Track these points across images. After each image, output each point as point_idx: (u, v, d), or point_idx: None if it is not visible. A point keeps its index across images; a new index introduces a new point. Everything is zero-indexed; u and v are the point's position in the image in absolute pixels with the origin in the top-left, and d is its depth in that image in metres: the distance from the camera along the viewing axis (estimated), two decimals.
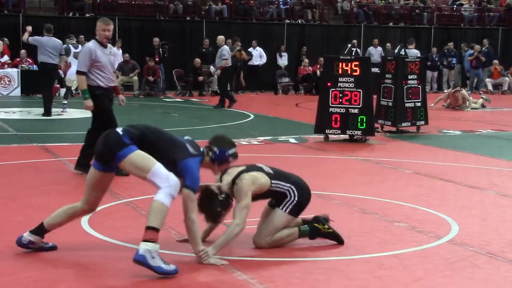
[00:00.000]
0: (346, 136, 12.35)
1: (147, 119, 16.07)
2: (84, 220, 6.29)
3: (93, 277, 4.78)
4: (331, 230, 5.68)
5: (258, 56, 25.20)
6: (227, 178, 5.44)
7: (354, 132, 12.20)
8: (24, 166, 9.29)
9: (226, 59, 18.76)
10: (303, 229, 5.63)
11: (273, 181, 5.52)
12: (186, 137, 5.34)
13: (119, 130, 5.09)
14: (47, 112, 15.72)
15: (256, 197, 5.47)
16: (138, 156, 4.93)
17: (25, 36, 15.95)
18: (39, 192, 7.60)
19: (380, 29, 28.77)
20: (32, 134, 12.42)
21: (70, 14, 24.92)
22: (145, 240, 4.69)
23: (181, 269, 4.86)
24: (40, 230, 5.32)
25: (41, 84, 16.40)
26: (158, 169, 4.89)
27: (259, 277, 4.83)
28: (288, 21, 27.55)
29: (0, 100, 19.69)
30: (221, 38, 19.58)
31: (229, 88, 19.74)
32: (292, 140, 12.38)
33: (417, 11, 30.05)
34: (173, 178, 4.87)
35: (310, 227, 5.65)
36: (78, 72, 8.51)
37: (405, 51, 23.30)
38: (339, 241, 5.67)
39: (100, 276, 4.81)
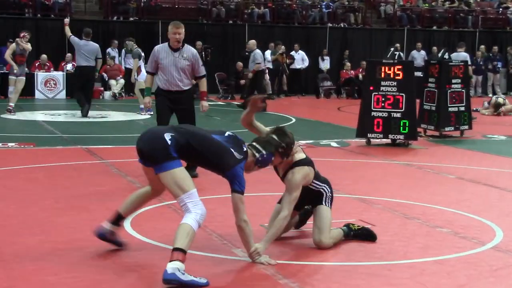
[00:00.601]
0: (388, 141, 12.26)
1: None
2: (127, 222, 6.35)
3: (135, 278, 4.83)
4: (361, 227, 5.92)
5: (301, 59, 25.17)
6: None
7: (396, 137, 12.11)
8: (69, 168, 9.43)
9: (259, 63, 19.43)
10: (344, 229, 5.85)
11: (314, 181, 5.69)
12: (228, 133, 5.29)
13: (167, 137, 4.94)
14: (84, 113, 16.05)
15: None
16: (181, 174, 4.93)
17: (67, 32, 16.28)
18: (82, 194, 7.70)
19: (423, 32, 28.51)
20: (76, 136, 12.59)
21: (115, 18, 25.24)
22: (172, 261, 4.65)
23: (225, 271, 4.87)
24: (118, 219, 5.49)
25: (74, 86, 16.81)
26: (195, 193, 4.93)
27: (299, 281, 4.82)
28: (331, 25, 27.46)
29: (46, 103, 20.02)
30: (252, 42, 20.35)
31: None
32: (334, 144, 12.34)
33: (461, 14, 29.71)
34: (203, 208, 4.91)
35: (346, 226, 5.90)
36: (146, 72, 9.06)
37: (449, 55, 23.03)
38: (372, 237, 5.87)
39: (142, 277, 4.86)
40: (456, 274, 5.06)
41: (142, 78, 16.33)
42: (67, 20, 16.65)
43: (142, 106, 16.49)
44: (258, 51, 19.69)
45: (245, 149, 5.21)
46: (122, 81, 22.14)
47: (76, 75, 16.93)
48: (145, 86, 9.17)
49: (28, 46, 16.24)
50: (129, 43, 18.60)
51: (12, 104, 16.15)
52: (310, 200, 5.77)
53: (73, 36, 16.14)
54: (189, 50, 8.70)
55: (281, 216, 5.38)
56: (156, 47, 8.77)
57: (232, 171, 5.00)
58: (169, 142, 4.91)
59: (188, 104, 8.78)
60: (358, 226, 5.96)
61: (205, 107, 9.04)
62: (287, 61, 24.71)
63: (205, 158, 5.04)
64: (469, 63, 18.04)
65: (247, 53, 24.04)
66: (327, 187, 5.78)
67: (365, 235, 5.88)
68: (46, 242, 5.70)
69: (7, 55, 16.28)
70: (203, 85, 9.00)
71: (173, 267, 4.59)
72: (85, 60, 15.91)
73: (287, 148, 5.37)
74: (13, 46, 16.27)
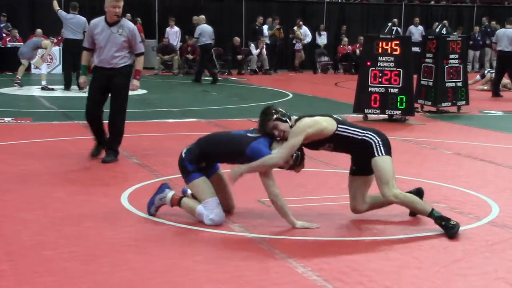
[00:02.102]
0: (386, 116, 12.26)
1: (185, 97, 16.17)
2: (124, 197, 6.37)
3: (133, 253, 4.84)
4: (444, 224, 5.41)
5: (304, 35, 24.96)
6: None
7: (393, 112, 12.11)
8: (66, 143, 9.42)
9: (196, 38, 20.00)
10: (436, 212, 5.44)
11: (340, 126, 5.45)
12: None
13: (184, 152, 5.61)
14: (66, 86, 16.37)
15: (322, 142, 5.48)
16: (199, 186, 5.53)
17: (55, 6, 16.39)
18: (80, 169, 7.70)
19: (421, 7, 28.39)
20: (73, 111, 12.56)
21: None
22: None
23: (221, 246, 4.90)
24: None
25: (64, 59, 17.01)
26: (212, 201, 5.48)
27: (296, 256, 4.84)
28: (328, 0, 27.32)
29: None
30: (201, 17, 20.31)
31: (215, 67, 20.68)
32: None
33: None
34: (217, 214, 5.46)
35: (442, 215, 5.42)
36: (82, 48, 8.48)
37: (446, 30, 22.85)
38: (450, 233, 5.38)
39: (139, 251, 4.88)
40: (452, 249, 5.08)
41: None
42: None
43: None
44: (201, 26, 19.82)
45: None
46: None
47: (64, 49, 17.18)
48: (81, 63, 8.46)
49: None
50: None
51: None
52: (361, 154, 5.52)
53: (60, 10, 16.44)
54: (127, 25, 8.08)
55: (269, 155, 5.32)
56: (93, 21, 8.18)
57: (249, 148, 5.35)
58: (183, 156, 5.60)
59: (121, 82, 8.13)
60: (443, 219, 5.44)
61: (135, 86, 8.43)
62: (290, 36, 24.60)
63: (221, 155, 5.57)
64: None
65: (257, 27, 23.95)
66: (372, 134, 5.51)
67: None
68: (44, 217, 5.71)
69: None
70: (140, 63, 8.35)
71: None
72: (72, 34, 16.15)
73: (280, 112, 5.44)
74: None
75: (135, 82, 8.42)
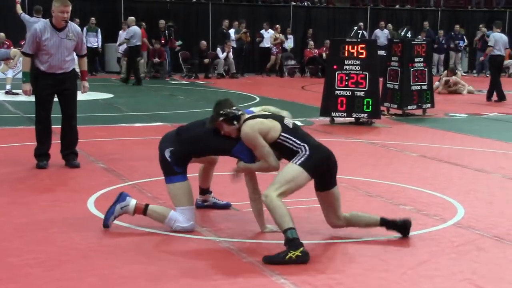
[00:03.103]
0: (352, 119, 12.33)
1: (152, 101, 16.09)
2: (90, 202, 6.31)
3: (100, 258, 4.80)
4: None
5: (269, 38, 25.03)
6: None
7: (360, 115, 12.18)
8: (29, 148, 9.29)
9: (127, 39, 20.24)
10: (290, 230, 4.88)
11: (283, 133, 5.14)
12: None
13: (167, 154, 5.39)
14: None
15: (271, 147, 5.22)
16: (181, 189, 5.41)
17: (18, 9, 16.22)
18: (44, 174, 7.61)
19: (386, 11, 28.64)
20: None
21: None
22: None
23: (191, 250, 4.87)
24: (203, 191, 6.16)
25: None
26: (188, 210, 5.43)
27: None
28: (294, 3, 27.42)
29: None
30: (131, 19, 20.63)
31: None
32: (298, 123, 12.29)
33: None
34: (189, 224, 5.43)
35: (295, 237, 4.87)
36: (23, 53, 8.13)
37: (411, 34, 23.07)
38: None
39: (106, 257, 4.83)
40: (419, 251, 5.12)
41: None
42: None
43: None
44: (132, 27, 20.17)
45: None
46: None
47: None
48: (23, 70, 8.10)
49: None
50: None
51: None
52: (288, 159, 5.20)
53: (23, 13, 16.21)
54: (74, 29, 7.88)
55: (267, 164, 5.18)
56: (38, 27, 7.78)
57: (235, 149, 5.34)
58: (169, 159, 5.38)
59: (72, 86, 7.99)
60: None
61: (86, 88, 8.27)
62: (257, 39, 24.65)
63: (205, 153, 5.58)
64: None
65: (224, 31, 23.94)
66: (306, 147, 5.10)
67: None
68: (8, 223, 5.63)
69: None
70: (84, 64, 8.19)
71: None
72: None
73: (229, 113, 5.23)
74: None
75: (86, 84, 8.26)
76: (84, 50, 8.07)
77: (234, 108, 5.28)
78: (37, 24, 8.02)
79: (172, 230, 5.41)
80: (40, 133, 8.06)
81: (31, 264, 4.64)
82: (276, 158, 5.21)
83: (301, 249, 4.75)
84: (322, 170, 5.17)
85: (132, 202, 5.53)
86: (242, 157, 5.33)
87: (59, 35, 7.75)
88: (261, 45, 24.95)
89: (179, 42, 23.46)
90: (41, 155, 8.01)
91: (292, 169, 5.05)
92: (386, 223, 5.40)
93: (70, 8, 7.84)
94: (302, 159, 5.06)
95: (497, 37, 16.83)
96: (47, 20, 7.91)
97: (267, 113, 5.41)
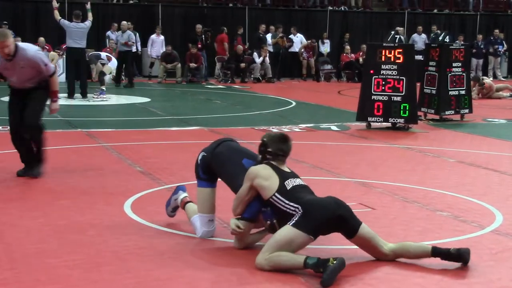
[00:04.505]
0: (389, 124, 12.25)
1: (189, 105, 16.19)
2: (127, 205, 6.37)
3: (136, 261, 4.84)
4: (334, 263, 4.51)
5: (299, 42, 25.07)
6: None
7: (396, 120, 12.10)
8: (69, 151, 9.43)
9: (123, 43, 20.35)
10: (310, 259, 4.55)
11: (276, 194, 4.86)
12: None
13: (200, 156, 5.43)
14: (70, 94, 16.65)
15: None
16: (202, 196, 5.43)
17: (56, 15, 16.47)
18: (82, 177, 7.70)
19: (424, 16, 28.38)
20: (76, 120, 12.59)
21: (114, 1, 25.12)
22: None
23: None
24: None
25: (67, 68, 17.17)
26: (201, 217, 5.41)
27: None
28: (331, 8, 27.34)
29: None
30: (124, 23, 20.91)
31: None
32: (334, 128, 12.33)
33: None
34: (206, 231, 5.41)
35: (318, 259, 4.54)
36: None
37: (449, 38, 22.88)
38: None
39: (142, 260, 4.87)
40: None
41: (113, 65, 17.25)
42: (55, 5, 16.76)
43: (103, 88, 16.77)
44: (126, 33, 20.49)
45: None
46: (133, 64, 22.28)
47: (67, 57, 17.29)
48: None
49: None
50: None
51: None
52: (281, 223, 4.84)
53: (62, 19, 16.53)
54: (24, 57, 7.44)
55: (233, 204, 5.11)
56: None
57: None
58: (199, 162, 5.43)
59: (38, 94, 7.73)
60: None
61: (54, 110, 8.00)
62: (286, 44, 24.66)
63: (222, 177, 5.38)
64: None
65: (261, 35, 24.05)
66: (300, 209, 4.74)
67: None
68: (47, 225, 5.71)
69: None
70: (53, 84, 7.80)
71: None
72: (75, 42, 16.24)
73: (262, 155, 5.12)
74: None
75: (55, 106, 7.98)
76: (48, 71, 7.67)
77: (271, 152, 5.07)
78: None
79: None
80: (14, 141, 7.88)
81: (69, 265, 4.70)
82: (239, 206, 5.04)
83: (330, 259, 4.51)
84: (327, 224, 4.74)
85: (182, 195, 5.77)
86: (247, 210, 5.07)
87: (11, 64, 7.50)
88: (291, 49, 24.93)
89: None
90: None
91: (284, 231, 4.70)
92: (439, 254, 4.86)
93: (10, 41, 7.32)
94: (296, 218, 4.69)
95: None
96: None
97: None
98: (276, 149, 5.08)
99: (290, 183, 4.95)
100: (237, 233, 5.07)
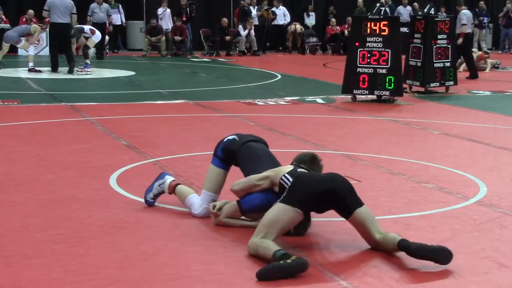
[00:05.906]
0: (374, 97, 12.26)
1: (174, 78, 16.12)
2: (113, 179, 6.35)
3: (122, 234, 4.84)
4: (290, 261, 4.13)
5: (282, 15, 24.93)
6: None
7: (382, 93, 12.11)
8: (53, 125, 9.38)
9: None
10: (279, 252, 4.21)
11: (286, 175, 4.76)
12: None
13: (230, 136, 5.29)
14: (53, 68, 16.50)
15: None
16: (211, 174, 5.29)
17: None
18: (68, 151, 7.67)
19: None
20: (60, 94, 12.50)
21: None
22: None
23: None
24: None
25: (51, 43, 17.00)
26: (205, 195, 5.25)
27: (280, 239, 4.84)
28: None
29: None
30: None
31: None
32: (319, 101, 12.33)
33: None
34: (202, 212, 5.24)
35: (284, 253, 4.20)
36: None
37: (434, 11, 22.82)
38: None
39: (128, 233, 4.87)
40: (441, 229, 5.10)
41: (97, 38, 17.22)
42: None
43: (88, 61, 16.69)
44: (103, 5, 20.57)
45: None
46: (106, 37, 21.92)
47: (51, 32, 17.10)
48: None
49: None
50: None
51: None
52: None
53: (47, 3, 16.20)
54: None
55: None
56: None
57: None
58: (225, 140, 5.27)
59: None
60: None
61: None
62: (271, 17, 24.53)
63: (243, 168, 5.19)
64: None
65: (246, 8, 23.82)
66: (290, 183, 4.65)
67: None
68: (32, 199, 5.69)
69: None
70: None
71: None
72: (59, 17, 16.06)
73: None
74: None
75: None
76: None
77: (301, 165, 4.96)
78: None
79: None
80: None
81: (55, 240, 4.69)
82: (242, 186, 4.97)
83: (293, 256, 4.15)
84: (317, 198, 4.53)
85: (168, 179, 5.51)
86: (247, 199, 5.00)
87: None
88: (274, 22, 24.78)
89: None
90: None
91: (272, 209, 4.52)
92: (404, 248, 4.42)
93: None
94: (284, 194, 4.55)
95: (468, 15, 16.72)
96: None
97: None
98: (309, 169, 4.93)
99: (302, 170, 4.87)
100: (213, 213, 5.07)
